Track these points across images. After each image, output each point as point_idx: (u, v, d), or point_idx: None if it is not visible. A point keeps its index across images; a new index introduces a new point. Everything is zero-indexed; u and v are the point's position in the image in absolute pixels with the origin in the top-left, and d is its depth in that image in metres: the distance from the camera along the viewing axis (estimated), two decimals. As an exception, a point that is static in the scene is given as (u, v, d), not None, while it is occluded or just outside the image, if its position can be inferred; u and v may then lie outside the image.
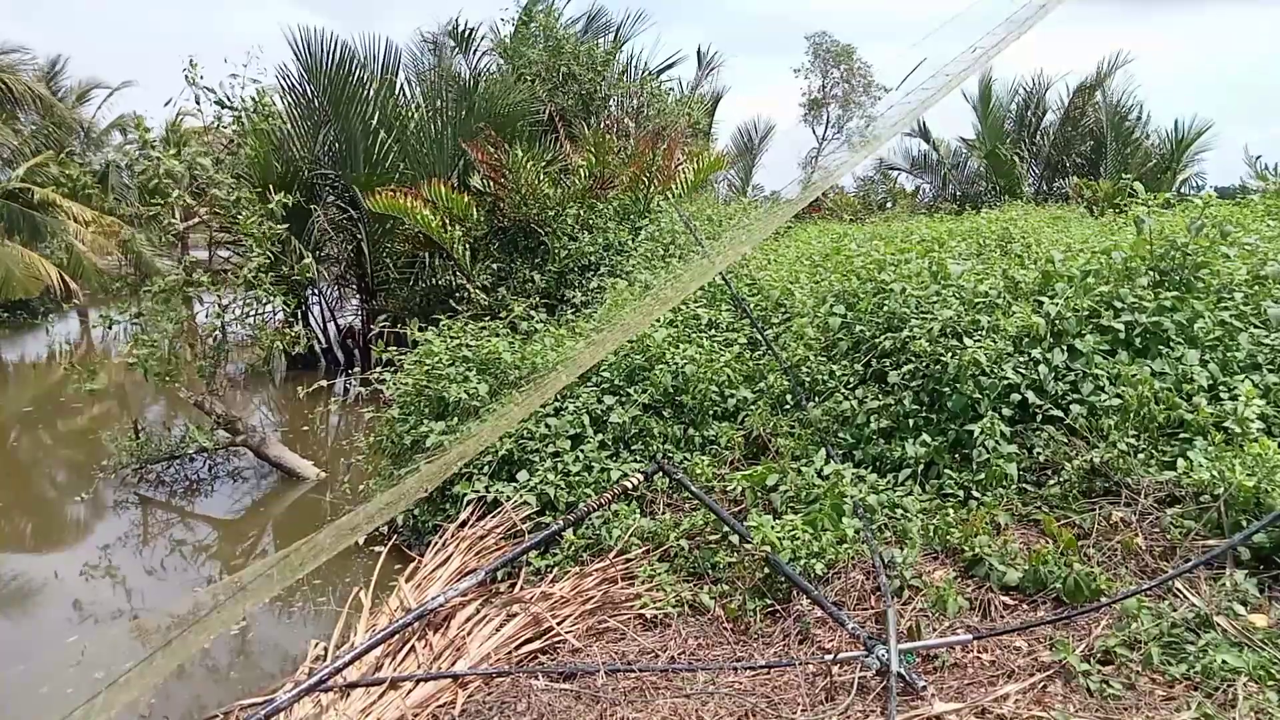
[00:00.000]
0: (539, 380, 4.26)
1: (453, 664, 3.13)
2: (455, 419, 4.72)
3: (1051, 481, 3.53)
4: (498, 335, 5.56)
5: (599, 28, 12.86)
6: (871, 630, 2.90)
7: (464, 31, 12.31)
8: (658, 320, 5.26)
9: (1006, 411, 3.78)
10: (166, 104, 15.35)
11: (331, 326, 11.24)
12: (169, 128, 16.93)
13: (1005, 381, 3.83)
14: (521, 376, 4.91)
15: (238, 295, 6.84)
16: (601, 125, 11.44)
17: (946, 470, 3.74)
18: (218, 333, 6.67)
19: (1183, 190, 14.97)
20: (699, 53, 15.79)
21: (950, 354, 3.97)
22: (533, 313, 6.27)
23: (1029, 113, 17.40)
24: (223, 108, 8.05)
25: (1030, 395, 3.78)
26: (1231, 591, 2.73)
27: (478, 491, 4.29)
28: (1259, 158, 13.67)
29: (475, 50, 12.47)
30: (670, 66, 13.85)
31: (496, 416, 4.09)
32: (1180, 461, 3.31)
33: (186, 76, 7.07)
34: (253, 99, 8.52)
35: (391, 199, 8.69)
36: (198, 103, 7.69)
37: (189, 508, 5.97)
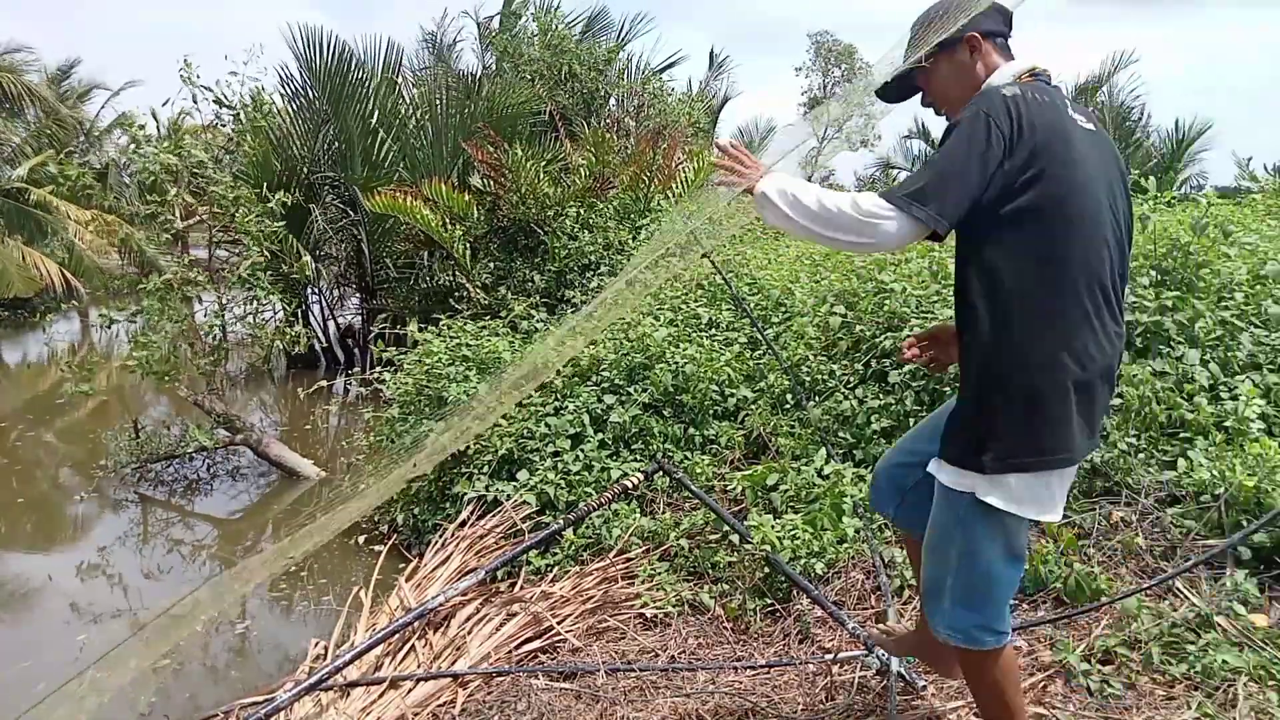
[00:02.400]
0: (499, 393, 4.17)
1: (453, 663, 3.13)
2: (455, 418, 4.72)
3: (1052, 481, 3.53)
4: (498, 335, 5.57)
5: (599, 29, 12.89)
6: (872, 630, 2.90)
7: (471, 28, 12.31)
8: (657, 320, 5.26)
9: (1007, 411, 3.78)
10: (165, 103, 15.40)
11: (331, 325, 11.25)
12: (171, 126, 16.93)
13: (1006, 381, 3.82)
14: (523, 377, 4.91)
15: (237, 294, 6.85)
16: (602, 124, 11.44)
17: (947, 470, 3.74)
18: (217, 331, 6.68)
19: (1184, 189, 14.99)
20: (711, 54, 15.80)
21: (950, 353, 3.97)
22: (533, 312, 6.27)
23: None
24: (221, 106, 8.04)
25: (1031, 395, 3.77)
26: (1232, 591, 2.73)
27: (478, 491, 4.29)
28: (1249, 159, 13.76)
29: (459, 50, 12.52)
30: (671, 66, 13.85)
31: (462, 422, 4.03)
32: (1180, 461, 3.30)
33: (182, 75, 7.05)
34: (252, 97, 8.51)
35: (391, 199, 8.69)
36: (195, 101, 7.68)
37: (189, 507, 5.98)
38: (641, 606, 3.35)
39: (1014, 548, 1.80)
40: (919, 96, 1.98)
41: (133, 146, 6.55)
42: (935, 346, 2.06)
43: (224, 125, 8.59)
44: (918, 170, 1.73)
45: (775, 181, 1.82)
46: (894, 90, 2.00)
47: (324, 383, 8.45)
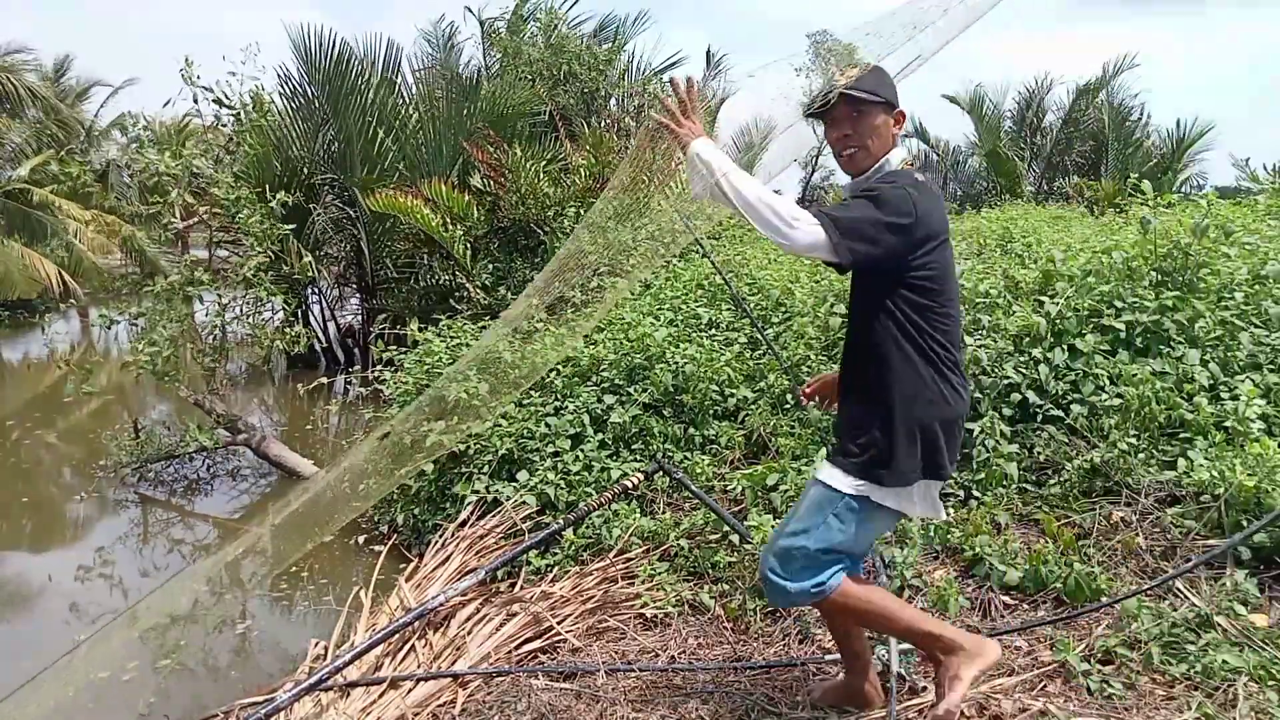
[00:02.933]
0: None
1: (453, 663, 3.13)
2: (455, 418, 4.72)
3: (1052, 481, 3.53)
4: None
5: (607, 35, 12.89)
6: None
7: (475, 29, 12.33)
8: (657, 320, 5.25)
9: (1007, 411, 3.78)
10: (166, 104, 15.37)
11: (331, 325, 11.25)
12: (175, 128, 16.91)
13: (1006, 381, 3.83)
14: (521, 375, 4.91)
15: (237, 294, 6.86)
16: (602, 124, 11.43)
17: (947, 470, 3.73)
18: (218, 332, 6.68)
19: (1184, 189, 14.98)
20: (708, 53, 15.71)
21: (951, 354, 3.97)
22: (532, 312, 6.26)
23: (1029, 113, 17.37)
24: (221, 106, 8.03)
25: (1031, 395, 3.78)
26: (1232, 591, 2.73)
27: (478, 492, 4.29)
28: (1247, 160, 13.74)
29: (460, 50, 12.52)
30: (672, 66, 13.82)
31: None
32: (1180, 461, 3.31)
33: (183, 75, 7.05)
34: (251, 96, 8.50)
35: (392, 198, 8.69)
36: (196, 101, 7.68)
37: (189, 507, 5.98)
38: (641, 606, 3.35)
39: (869, 539, 2.21)
40: (826, 125, 2.16)
41: (134, 146, 6.57)
42: (825, 391, 2.50)
43: (224, 126, 8.58)
44: (848, 204, 1.99)
45: (711, 153, 2.01)
46: (814, 105, 2.16)
47: (324, 380, 8.44)
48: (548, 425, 4.47)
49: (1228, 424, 3.42)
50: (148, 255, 15.57)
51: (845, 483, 2.09)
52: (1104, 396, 3.66)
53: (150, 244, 15.13)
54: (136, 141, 6.59)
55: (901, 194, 1.93)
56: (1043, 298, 4.21)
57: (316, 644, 3.55)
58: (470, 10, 12.65)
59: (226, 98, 7.96)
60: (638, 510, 3.96)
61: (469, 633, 3.31)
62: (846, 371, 2.21)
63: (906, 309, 2.02)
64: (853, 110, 2.07)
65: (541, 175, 8.89)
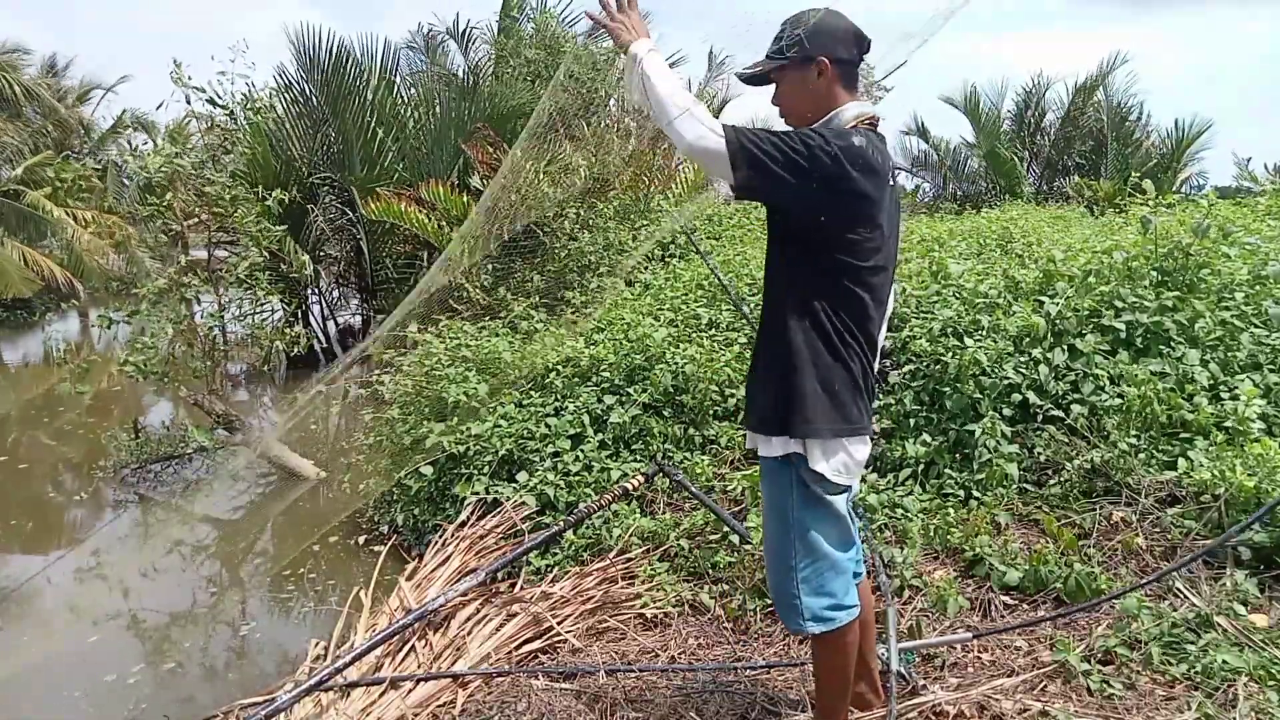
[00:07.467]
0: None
1: (453, 664, 3.13)
2: (455, 419, 4.72)
3: (1052, 481, 3.53)
4: (498, 335, 5.56)
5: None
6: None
7: (464, 31, 12.36)
8: (657, 320, 5.25)
9: (1007, 411, 3.79)
10: (159, 106, 15.41)
11: (331, 325, 11.24)
12: (172, 130, 16.89)
13: (1006, 381, 3.83)
14: (521, 376, 4.92)
15: (236, 294, 6.85)
16: (602, 125, 11.42)
17: (947, 470, 3.74)
18: (216, 332, 6.68)
19: (1183, 189, 14.98)
20: (710, 54, 15.69)
21: (951, 354, 3.97)
22: (533, 312, 6.26)
23: (1028, 113, 17.36)
24: (214, 106, 7.99)
25: (1031, 395, 3.78)
26: (1232, 591, 2.73)
27: (477, 493, 4.29)
28: (1249, 160, 13.71)
29: (466, 48, 12.54)
30: (670, 66, 13.83)
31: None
32: (1181, 461, 3.31)
33: (173, 77, 7.00)
34: (243, 95, 8.48)
35: (388, 204, 8.70)
36: (188, 102, 7.65)
37: (189, 507, 5.97)
38: (641, 607, 3.35)
39: (842, 527, 2.02)
40: (772, 92, 2.02)
41: (137, 147, 6.58)
42: None
43: (220, 125, 8.56)
44: (769, 130, 1.83)
45: (648, 54, 1.92)
46: (754, 76, 2.02)
47: (322, 389, 8.41)
48: (548, 426, 4.47)
49: (1228, 424, 3.42)
50: (137, 258, 15.54)
51: (777, 445, 1.93)
52: (1104, 396, 3.66)
53: (142, 247, 15.11)
54: (139, 150, 6.60)
55: (827, 147, 1.77)
56: (1043, 298, 4.21)
57: (316, 644, 3.55)
58: (435, 26, 12.71)
59: (219, 96, 7.91)
60: (638, 510, 3.96)
61: (469, 633, 3.31)
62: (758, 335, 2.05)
63: (816, 276, 1.88)
64: (774, 74, 1.96)
65: (541, 175, 8.87)
